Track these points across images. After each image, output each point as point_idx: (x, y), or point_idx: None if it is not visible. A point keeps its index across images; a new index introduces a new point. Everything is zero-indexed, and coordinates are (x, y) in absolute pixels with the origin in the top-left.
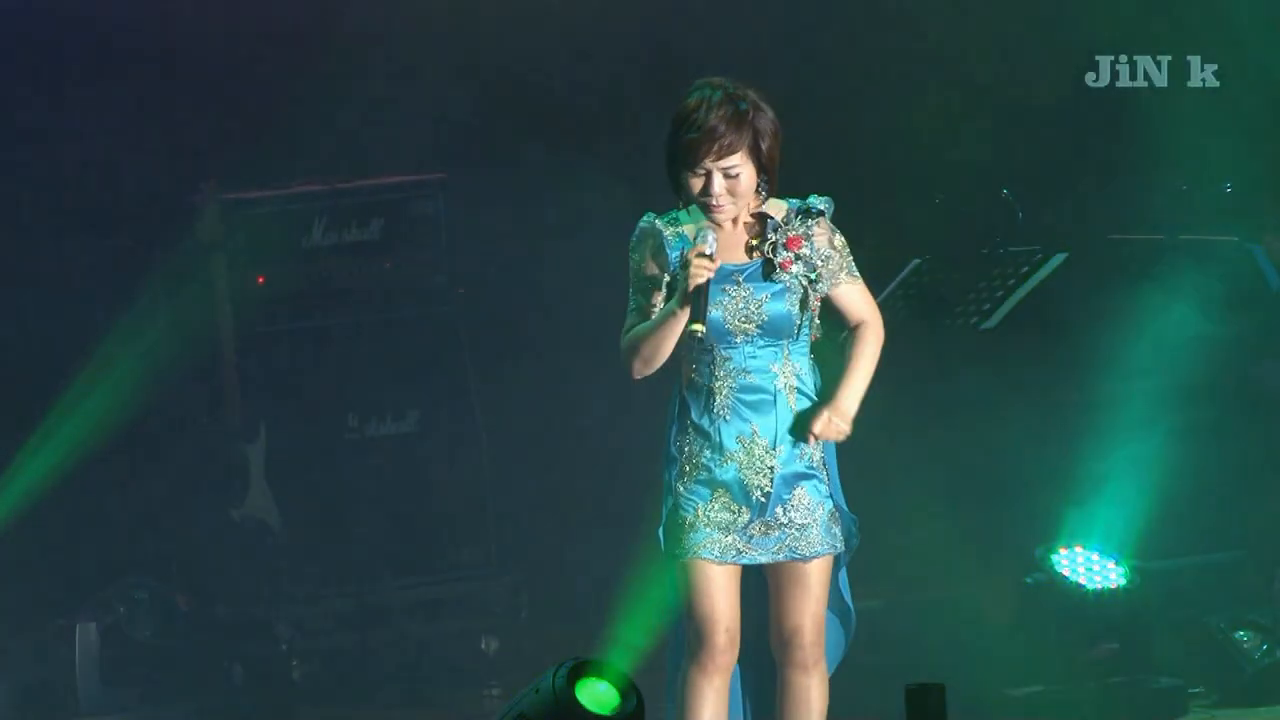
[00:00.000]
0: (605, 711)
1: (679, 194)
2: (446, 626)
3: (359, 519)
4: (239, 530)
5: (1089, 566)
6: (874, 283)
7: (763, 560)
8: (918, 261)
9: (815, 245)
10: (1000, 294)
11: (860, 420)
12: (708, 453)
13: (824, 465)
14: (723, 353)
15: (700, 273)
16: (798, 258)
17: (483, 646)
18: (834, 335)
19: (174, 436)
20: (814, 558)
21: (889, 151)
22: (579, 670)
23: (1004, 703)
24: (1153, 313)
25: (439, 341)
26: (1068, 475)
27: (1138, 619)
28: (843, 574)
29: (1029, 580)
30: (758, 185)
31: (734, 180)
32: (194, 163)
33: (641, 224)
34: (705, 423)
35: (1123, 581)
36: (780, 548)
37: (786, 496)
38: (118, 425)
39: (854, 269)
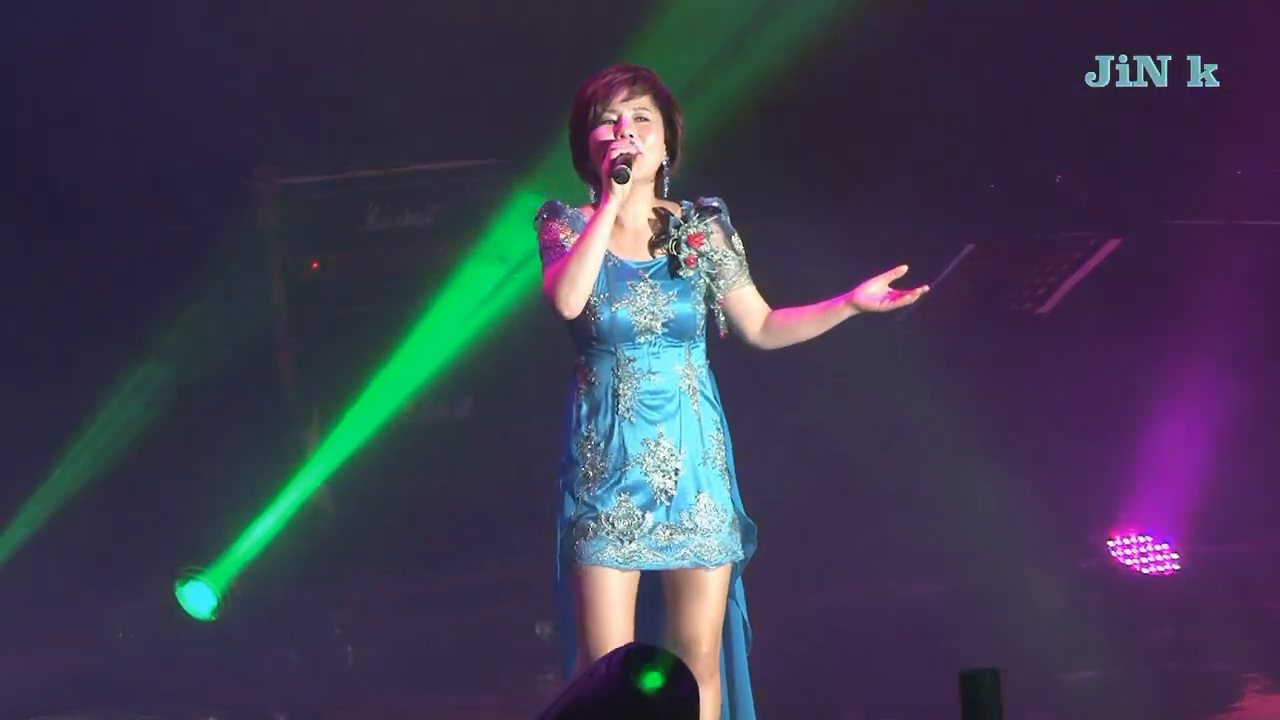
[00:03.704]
0: (658, 696)
1: (586, 178)
2: (500, 612)
3: (413, 504)
4: (293, 514)
5: (1143, 552)
6: (928, 268)
7: (671, 565)
8: (972, 247)
9: (713, 243)
10: (1055, 279)
11: (910, 408)
12: (612, 456)
13: (727, 470)
14: (626, 353)
15: (625, 146)
16: (700, 254)
17: (537, 632)
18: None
19: (229, 420)
20: (717, 566)
21: (943, 138)
22: (633, 656)
23: (1058, 688)
24: (1207, 297)
25: (492, 327)
26: (1122, 461)
27: (1192, 604)
28: (738, 585)
29: (1083, 566)
30: (661, 166)
31: (644, 125)
32: (251, 148)
33: (546, 200)
34: (609, 426)
35: (1177, 567)
36: (685, 554)
37: (691, 501)
38: (173, 410)
39: (749, 275)
